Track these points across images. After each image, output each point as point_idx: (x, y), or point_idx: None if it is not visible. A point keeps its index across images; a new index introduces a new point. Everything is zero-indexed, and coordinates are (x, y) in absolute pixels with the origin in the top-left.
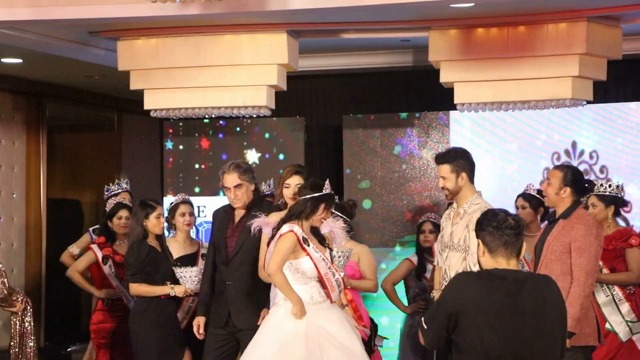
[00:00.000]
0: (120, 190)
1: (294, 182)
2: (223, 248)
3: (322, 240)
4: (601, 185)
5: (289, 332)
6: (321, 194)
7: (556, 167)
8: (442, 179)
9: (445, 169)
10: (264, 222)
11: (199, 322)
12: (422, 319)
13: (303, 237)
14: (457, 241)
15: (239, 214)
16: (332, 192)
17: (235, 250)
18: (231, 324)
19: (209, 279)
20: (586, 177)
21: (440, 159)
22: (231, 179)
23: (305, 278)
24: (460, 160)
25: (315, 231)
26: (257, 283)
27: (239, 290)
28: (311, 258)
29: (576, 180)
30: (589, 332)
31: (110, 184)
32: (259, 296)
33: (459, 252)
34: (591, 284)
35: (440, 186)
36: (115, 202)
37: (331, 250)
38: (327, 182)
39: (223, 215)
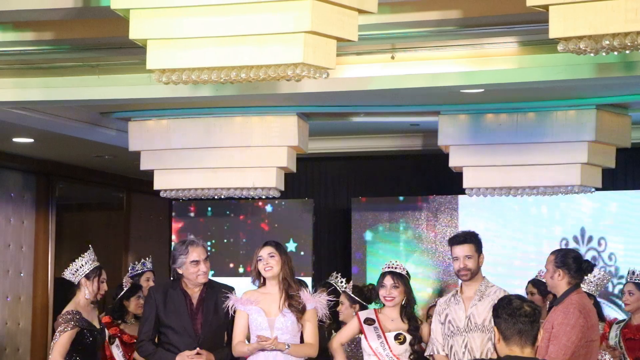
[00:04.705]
0: (145, 270)
1: (265, 252)
2: (191, 332)
3: (412, 325)
4: None
5: None
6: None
7: (551, 252)
8: (467, 258)
9: (471, 248)
10: (238, 300)
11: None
12: None
13: (367, 318)
14: (481, 322)
15: (194, 293)
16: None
17: (205, 333)
18: None
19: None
20: (586, 259)
21: (465, 239)
22: (203, 251)
23: (366, 354)
24: (480, 241)
25: (408, 317)
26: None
27: None
28: (365, 336)
29: (569, 262)
30: None
31: (136, 262)
32: None
33: (483, 333)
34: None
35: (461, 266)
36: (131, 282)
37: (415, 337)
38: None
39: (174, 295)
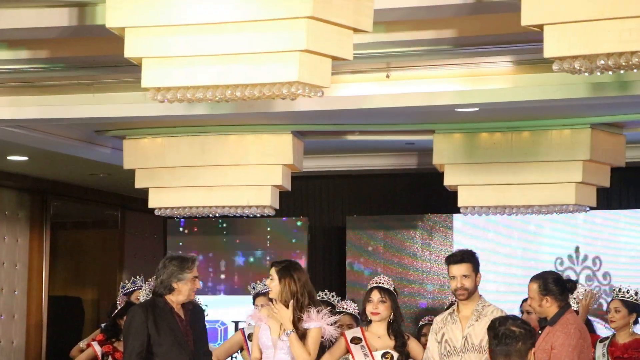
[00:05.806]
0: (136, 288)
1: (270, 272)
2: (186, 348)
3: (399, 341)
4: (627, 291)
5: None
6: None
7: (530, 280)
8: (464, 277)
9: (469, 267)
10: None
11: None
12: None
13: (353, 337)
14: (478, 342)
15: (179, 308)
16: (379, 283)
17: (197, 347)
18: None
19: None
20: (568, 278)
21: (463, 258)
22: (196, 268)
23: None
24: (477, 260)
25: (395, 334)
26: None
27: None
28: (352, 355)
29: (552, 288)
30: None
31: (127, 281)
32: None
33: (480, 354)
34: None
35: (458, 286)
36: (125, 300)
37: (402, 354)
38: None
39: (164, 313)
